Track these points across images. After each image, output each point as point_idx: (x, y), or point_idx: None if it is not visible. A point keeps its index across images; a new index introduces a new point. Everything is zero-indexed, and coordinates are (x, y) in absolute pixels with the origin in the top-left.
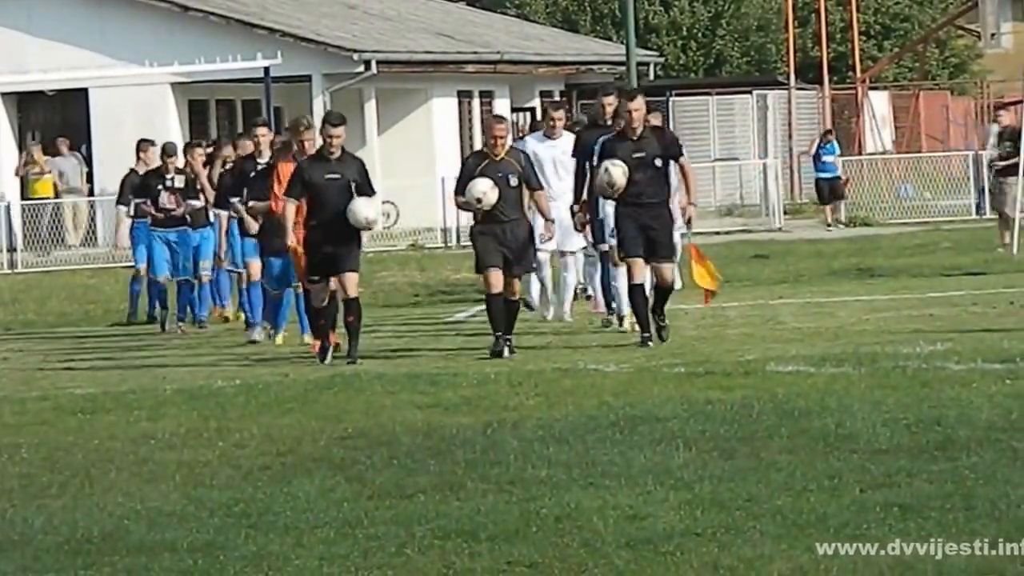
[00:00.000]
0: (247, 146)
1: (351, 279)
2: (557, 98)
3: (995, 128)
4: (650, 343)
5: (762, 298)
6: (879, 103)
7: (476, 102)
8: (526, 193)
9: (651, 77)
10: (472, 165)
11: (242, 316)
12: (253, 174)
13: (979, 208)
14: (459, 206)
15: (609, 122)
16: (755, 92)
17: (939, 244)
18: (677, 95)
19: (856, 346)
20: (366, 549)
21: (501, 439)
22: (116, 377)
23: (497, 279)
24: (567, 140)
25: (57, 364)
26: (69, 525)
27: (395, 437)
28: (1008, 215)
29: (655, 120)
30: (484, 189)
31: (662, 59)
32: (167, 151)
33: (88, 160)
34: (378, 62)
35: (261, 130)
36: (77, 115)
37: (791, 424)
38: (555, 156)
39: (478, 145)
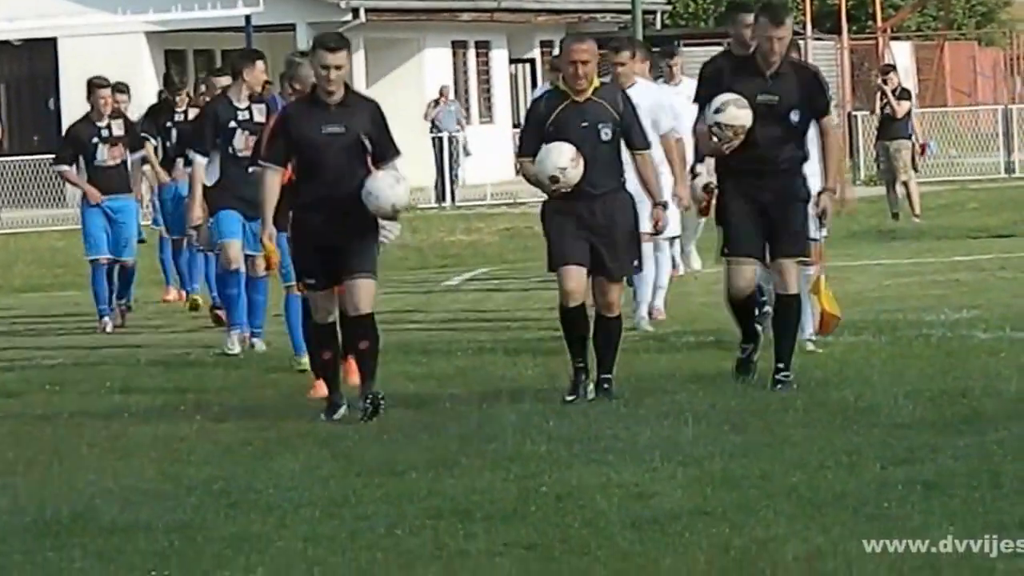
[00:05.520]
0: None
1: (364, 288)
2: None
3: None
4: (751, 372)
5: None
6: (901, 54)
7: (471, 53)
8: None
9: (658, 26)
10: (543, 111)
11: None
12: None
13: (1009, 167)
14: (526, 177)
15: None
16: None
17: (965, 204)
18: (686, 45)
19: (877, 313)
20: (354, 530)
21: (498, 412)
22: (87, 347)
23: (577, 281)
24: (641, 90)
25: (24, 332)
26: (37, 505)
27: (384, 410)
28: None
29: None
30: (563, 164)
31: (670, 7)
32: (96, 87)
33: (57, 114)
34: (367, 10)
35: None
36: (45, 66)
37: (807, 396)
38: None
39: (474, 100)
